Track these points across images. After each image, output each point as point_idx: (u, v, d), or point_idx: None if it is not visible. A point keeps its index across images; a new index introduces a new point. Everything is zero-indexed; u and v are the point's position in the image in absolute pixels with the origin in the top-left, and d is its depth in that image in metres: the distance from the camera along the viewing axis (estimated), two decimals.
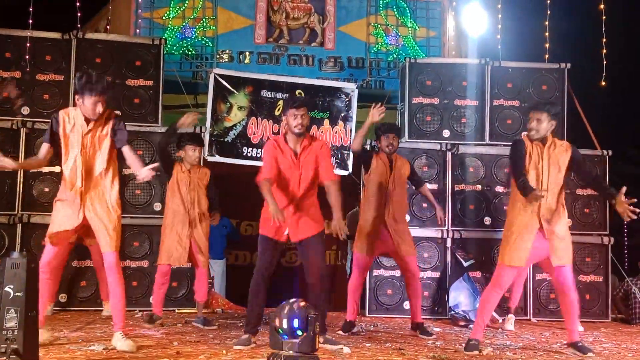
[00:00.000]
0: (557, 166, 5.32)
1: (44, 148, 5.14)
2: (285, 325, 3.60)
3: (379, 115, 6.20)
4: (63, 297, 7.41)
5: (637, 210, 4.99)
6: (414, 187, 6.91)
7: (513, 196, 5.46)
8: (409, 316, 7.49)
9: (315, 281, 5.36)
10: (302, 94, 9.01)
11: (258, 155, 8.52)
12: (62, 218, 5.08)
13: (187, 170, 6.67)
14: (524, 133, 7.98)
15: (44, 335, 5.00)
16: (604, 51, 8.27)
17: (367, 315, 7.77)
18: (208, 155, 8.39)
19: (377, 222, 6.39)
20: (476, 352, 5.27)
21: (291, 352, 3.59)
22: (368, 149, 6.90)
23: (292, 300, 3.75)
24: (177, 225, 6.54)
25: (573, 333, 5.45)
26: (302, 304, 3.73)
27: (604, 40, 8.22)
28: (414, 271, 6.41)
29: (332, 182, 5.35)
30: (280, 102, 8.90)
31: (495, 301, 5.48)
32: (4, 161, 4.87)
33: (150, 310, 6.75)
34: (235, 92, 8.92)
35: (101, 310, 7.33)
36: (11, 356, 3.91)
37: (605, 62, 8.29)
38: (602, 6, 8.15)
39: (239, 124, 8.92)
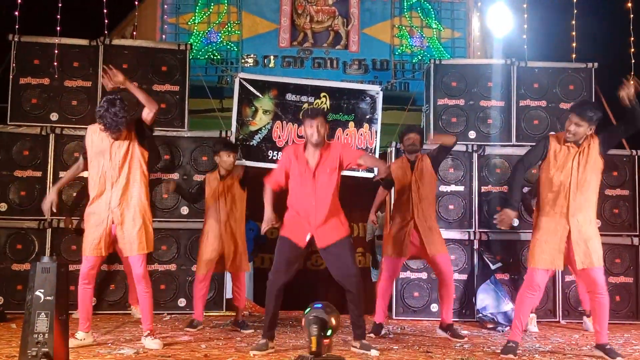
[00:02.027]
0: (589, 165, 5.21)
1: (81, 161, 5.49)
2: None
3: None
4: (92, 301, 7.46)
5: None
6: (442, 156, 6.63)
7: (540, 197, 5.38)
8: (437, 319, 7.46)
9: (351, 288, 5.31)
10: (327, 97, 9.02)
11: None
12: (92, 229, 5.31)
13: (222, 177, 6.71)
14: (552, 133, 7.96)
15: (88, 339, 5.37)
16: (632, 50, 8.16)
17: (394, 317, 7.75)
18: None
19: (406, 224, 6.38)
20: (511, 356, 5.16)
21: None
22: (389, 180, 6.84)
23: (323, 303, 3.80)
24: (212, 233, 6.61)
25: (601, 335, 5.33)
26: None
27: (632, 39, 8.12)
28: (445, 270, 6.36)
29: (362, 155, 5.51)
30: (306, 106, 8.93)
31: (529, 303, 5.36)
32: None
33: (191, 315, 6.84)
34: (260, 95, 8.97)
35: (129, 314, 7.41)
36: (42, 359, 3.96)
37: (632, 61, 8.18)
38: (629, 4, 8.05)
39: (264, 128, 8.96)
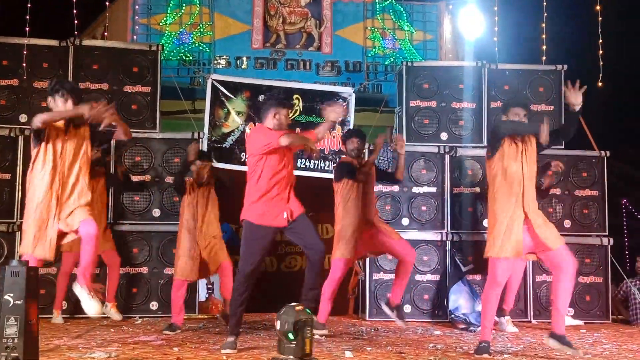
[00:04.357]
0: (533, 157, 5.32)
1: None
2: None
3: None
4: (63, 305, 7.39)
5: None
6: (395, 179, 6.81)
7: (494, 188, 5.38)
8: (410, 319, 7.51)
9: (320, 257, 5.36)
10: (300, 99, 9.05)
11: None
12: (44, 229, 5.02)
13: (199, 185, 6.79)
14: None
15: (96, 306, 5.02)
16: (600, 52, 8.28)
17: (368, 319, 7.76)
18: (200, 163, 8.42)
19: (360, 225, 6.39)
20: (486, 356, 5.19)
21: (291, 356, 3.62)
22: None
23: (293, 304, 3.81)
24: (188, 240, 6.67)
25: (560, 323, 5.23)
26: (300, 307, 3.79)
27: (600, 41, 8.24)
28: (408, 252, 6.40)
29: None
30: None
31: (495, 300, 5.37)
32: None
33: (164, 318, 6.81)
34: (233, 97, 8.95)
35: (102, 317, 7.34)
36: None
37: (601, 63, 8.30)
38: (597, 7, 8.17)
39: (237, 130, 8.95)
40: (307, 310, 4.10)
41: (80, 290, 4.98)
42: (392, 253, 6.66)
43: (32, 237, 5.01)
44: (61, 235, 5.13)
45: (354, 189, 6.49)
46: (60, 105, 5.15)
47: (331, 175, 8.77)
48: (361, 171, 6.50)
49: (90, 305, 4.96)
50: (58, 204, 5.05)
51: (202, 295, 8.31)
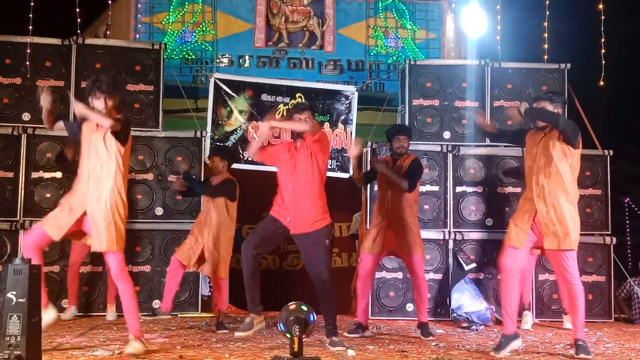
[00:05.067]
0: (549, 150, 5.30)
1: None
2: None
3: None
4: (66, 303, 7.39)
5: None
6: None
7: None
8: (412, 318, 7.51)
9: (316, 280, 5.43)
10: (303, 97, 9.05)
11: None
12: (65, 212, 4.99)
13: (212, 179, 6.93)
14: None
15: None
16: (603, 51, 8.27)
17: (370, 317, 7.75)
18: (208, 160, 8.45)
19: (381, 222, 6.38)
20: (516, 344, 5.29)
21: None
22: (369, 169, 6.88)
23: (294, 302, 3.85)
24: (197, 230, 6.78)
25: (574, 329, 5.34)
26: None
27: (603, 40, 8.23)
28: (414, 272, 6.36)
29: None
30: (281, 106, 8.93)
31: (506, 288, 5.33)
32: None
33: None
34: (236, 96, 8.95)
35: (104, 315, 7.36)
36: None
37: (604, 62, 8.29)
38: (600, 6, 8.16)
39: (239, 129, 8.95)
40: (303, 307, 4.12)
41: (134, 343, 4.97)
42: (406, 264, 6.67)
43: (53, 214, 5.01)
44: (79, 232, 5.04)
45: (383, 186, 6.49)
46: (98, 106, 5.02)
47: (335, 174, 8.88)
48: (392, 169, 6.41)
49: (134, 347, 4.94)
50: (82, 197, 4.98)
51: (204, 292, 8.31)
